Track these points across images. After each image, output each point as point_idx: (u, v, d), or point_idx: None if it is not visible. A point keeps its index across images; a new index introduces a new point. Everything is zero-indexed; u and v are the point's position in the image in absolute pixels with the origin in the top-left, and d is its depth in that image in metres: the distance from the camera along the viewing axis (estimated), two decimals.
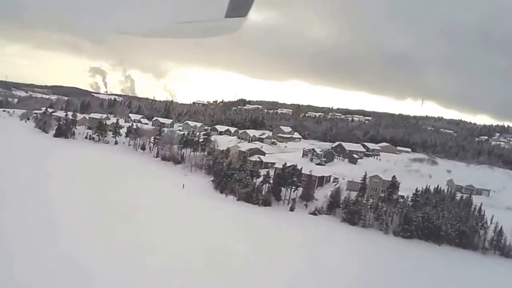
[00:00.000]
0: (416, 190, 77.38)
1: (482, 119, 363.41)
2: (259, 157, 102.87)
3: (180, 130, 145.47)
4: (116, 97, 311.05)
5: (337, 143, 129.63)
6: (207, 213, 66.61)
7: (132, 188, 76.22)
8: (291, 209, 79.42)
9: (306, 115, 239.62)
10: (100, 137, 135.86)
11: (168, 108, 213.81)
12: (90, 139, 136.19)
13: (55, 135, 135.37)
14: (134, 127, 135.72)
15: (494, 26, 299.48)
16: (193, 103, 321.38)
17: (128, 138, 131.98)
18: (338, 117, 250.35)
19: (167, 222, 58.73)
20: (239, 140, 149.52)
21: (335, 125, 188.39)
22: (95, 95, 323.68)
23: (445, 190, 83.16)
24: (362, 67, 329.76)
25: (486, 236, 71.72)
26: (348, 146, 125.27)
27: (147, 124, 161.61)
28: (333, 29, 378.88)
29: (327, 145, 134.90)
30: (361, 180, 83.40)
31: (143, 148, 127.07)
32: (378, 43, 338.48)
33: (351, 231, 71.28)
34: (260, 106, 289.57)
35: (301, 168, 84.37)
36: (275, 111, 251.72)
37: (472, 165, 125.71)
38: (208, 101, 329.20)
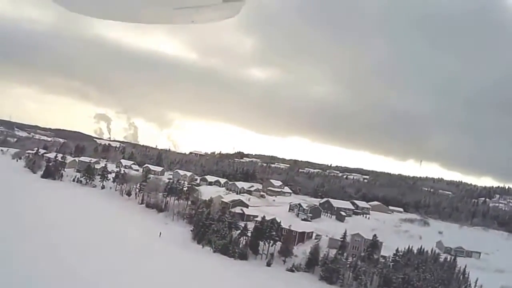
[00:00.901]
0: (397, 250, 74.84)
1: (486, 181, 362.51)
2: (241, 209, 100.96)
3: (169, 179, 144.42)
4: (113, 142, 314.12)
5: (325, 199, 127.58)
6: (174, 263, 64.08)
7: (106, 234, 74.10)
8: (268, 264, 76.38)
9: (301, 170, 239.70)
10: (88, 180, 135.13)
11: (161, 156, 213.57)
12: (77, 182, 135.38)
13: (43, 176, 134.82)
14: (122, 172, 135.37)
15: (499, 88, 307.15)
16: (190, 153, 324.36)
17: (115, 183, 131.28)
18: (335, 174, 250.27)
19: (129, 271, 56.28)
20: (227, 191, 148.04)
21: (327, 181, 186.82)
22: (98, 140, 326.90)
23: (429, 252, 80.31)
24: (364, 126, 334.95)
25: None
26: (336, 203, 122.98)
27: (138, 170, 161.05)
28: (335, 88, 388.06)
29: (318, 201, 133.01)
30: (341, 238, 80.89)
31: (128, 194, 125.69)
32: (381, 103, 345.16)
33: None
34: (258, 160, 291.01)
35: (280, 222, 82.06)
36: (269, 165, 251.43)
37: (466, 227, 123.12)
38: (206, 152, 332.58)
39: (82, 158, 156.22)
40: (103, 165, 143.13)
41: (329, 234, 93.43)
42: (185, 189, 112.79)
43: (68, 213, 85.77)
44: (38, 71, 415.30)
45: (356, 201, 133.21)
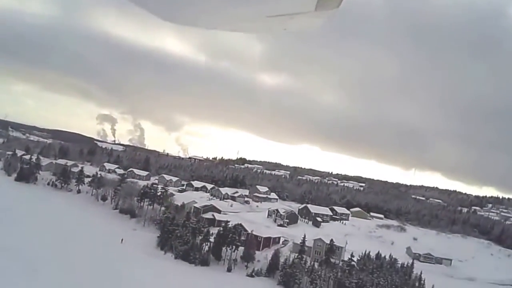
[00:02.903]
0: (351, 255, 78.10)
1: (488, 192, 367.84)
2: (212, 215, 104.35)
3: (154, 183, 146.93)
4: (117, 146, 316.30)
5: (303, 205, 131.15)
6: (125, 269, 66.76)
7: (62, 241, 74.34)
8: (228, 270, 79.40)
9: (299, 177, 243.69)
10: (63, 184, 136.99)
11: (148, 160, 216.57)
12: (52, 185, 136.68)
13: (16, 179, 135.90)
14: (99, 176, 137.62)
15: (502, 98, 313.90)
16: (190, 158, 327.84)
17: (91, 188, 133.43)
18: (333, 181, 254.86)
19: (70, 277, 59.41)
20: (211, 197, 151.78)
21: (316, 188, 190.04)
22: (99, 143, 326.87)
23: (386, 257, 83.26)
24: (371, 136, 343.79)
25: None
26: (314, 209, 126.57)
27: (123, 174, 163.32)
28: (343, 97, 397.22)
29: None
30: (300, 243, 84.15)
31: (104, 198, 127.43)
32: (387, 114, 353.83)
33: None
34: (260, 166, 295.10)
35: (240, 225, 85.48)
36: (263, 171, 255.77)
37: (444, 234, 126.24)
38: (207, 157, 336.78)
39: (59, 161, 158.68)
40: (80, 168, 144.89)
41: (300, 239, 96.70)
42: (158, 193, 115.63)
43: (29, 218, 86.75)
44: (39, 67, 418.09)
45: (336, 208, 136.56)
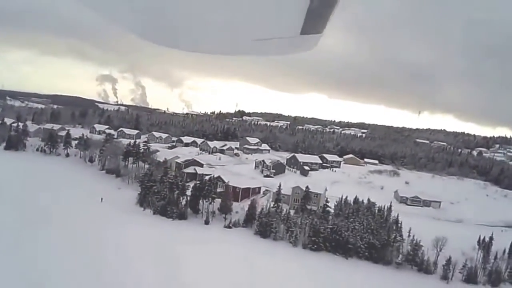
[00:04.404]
0: (326, 200, 79.09)
1: (502, 132, 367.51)
2: (194, 169, 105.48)
3: (144, 142, 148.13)
4: (119, 106, 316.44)
5: (291, 154, 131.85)
6: (100, 226, 68.51)
7: (44, 204, 76.63)
8: (206, 223, 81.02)
9: (299, 127, 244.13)
10: (51, 149, 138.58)
11: (138, 119, 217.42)
12: (41, 151, 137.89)
13: (6, 148, 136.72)
14: (85, 138, 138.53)
15: None
16: (186, 113, 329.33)
17: (79, 150, 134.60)
18: (334, 129, 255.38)
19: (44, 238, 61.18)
20: (201, 151, 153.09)
21: (310, 137, 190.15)
22: (101, 105, 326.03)
23: (363, 201, 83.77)
24: (380, 80, 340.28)
25: (402, 250, 72.73)
26: (302, 158, 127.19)
27: (109, 134, 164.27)
28: (352, 41, 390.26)
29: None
30: (276, 191, 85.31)
31: (91, 160, 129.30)
32: (396, 56, 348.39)
33: (257, 244, 72.48)
34: (259, 118, 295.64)
35: (219, 178, 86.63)
36: (258, 122, 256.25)
37: (439, 176, 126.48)
38: (205, 112, 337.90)
39: (46, 126, 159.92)
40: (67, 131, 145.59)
41: (285, 188, 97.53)
42: (141, 151, 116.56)
43: (11, 186, 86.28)
44: (33, 31, 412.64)
45: (326, 155, 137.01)
